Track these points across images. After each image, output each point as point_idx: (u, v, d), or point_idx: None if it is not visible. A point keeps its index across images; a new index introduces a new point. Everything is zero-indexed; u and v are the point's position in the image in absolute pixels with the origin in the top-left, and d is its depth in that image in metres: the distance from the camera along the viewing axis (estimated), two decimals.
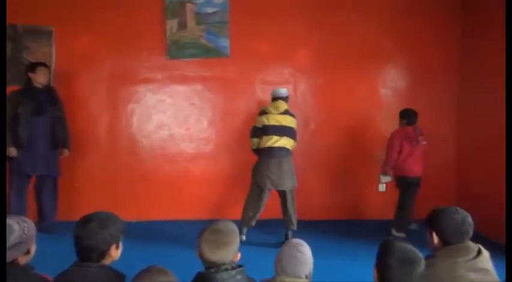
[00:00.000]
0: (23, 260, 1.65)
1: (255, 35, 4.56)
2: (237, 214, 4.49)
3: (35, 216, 3.90)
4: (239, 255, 1.63)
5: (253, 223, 3.91)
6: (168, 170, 4.62)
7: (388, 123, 4.65)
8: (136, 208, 4.40)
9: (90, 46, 4.52)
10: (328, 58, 4.62)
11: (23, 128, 3.78)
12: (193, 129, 4.66)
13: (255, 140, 3.95)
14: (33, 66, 3.94)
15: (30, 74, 3.90)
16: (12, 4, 4.35)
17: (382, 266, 1.52)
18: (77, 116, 4.40)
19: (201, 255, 1.58)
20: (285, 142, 3.81)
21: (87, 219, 1.58)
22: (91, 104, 4.55)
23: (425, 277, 1.53)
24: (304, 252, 1.81)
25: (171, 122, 4.62)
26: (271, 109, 3.89)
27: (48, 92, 4.00)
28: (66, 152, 4.13)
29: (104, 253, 1.57)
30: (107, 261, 1.58)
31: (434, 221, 1.87)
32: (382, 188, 4.72)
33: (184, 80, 4.61)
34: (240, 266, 1.59)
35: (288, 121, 3.86)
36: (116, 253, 1.61)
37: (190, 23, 4.51)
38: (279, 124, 3.81)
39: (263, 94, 4.62)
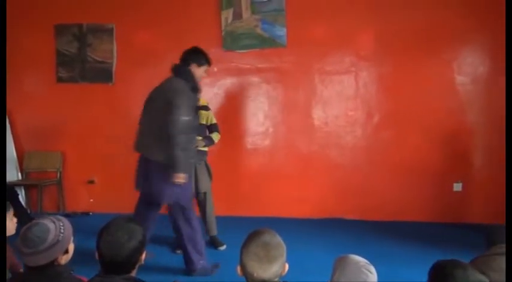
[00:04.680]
0: (62, 260, 1.62)
1: (312, 21, 4.29)
2: (294, 212, 4.35)
3: None
4: (287, 266, 1.44)
5: None
6: (222, 166, 4.54)
7: (466, 115, 4.16)
8: None
9: (147, 41, 4.57)
10: (393, 42, 4.20)
11: None
12: (249, 123, 4.54)
13: None
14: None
15: None
16: (78, 4, 4.58)
17: None
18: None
19: (246, 272, 1.38)
20: None
21: (111, 230, 1.46)
22: None
23: None
24: (374, 273, 1.52)
25: (226, 115, 4.53)
26: None
27: None
28: None
29: (135, 264, 1.48)
30: (135, 271, 1.49)
31: None
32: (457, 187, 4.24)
33: (240, 72, 4.49)
34: None
35: None
36: (142, 258, 1.51)
37: (246, 12, 4.36)
38: None
39: (322, 85, 4.34)
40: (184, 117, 2.65)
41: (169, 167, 2.66)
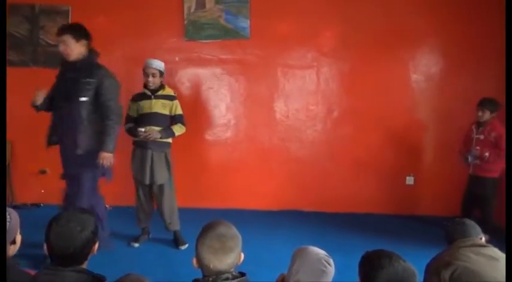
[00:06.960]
0: (10, 251, 1.54)
1: (276, 15, 4.29)
2: (253, 203, 4.38)
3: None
4: (243, 255, 1.44)
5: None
6: (183, 157, 4.48)
7: (420, 113, 4.34)
8: None
9: (105, 27, 4.38)
10: (354, 41, 4.28)
11: None
12: (210, 115, 4.49)
13: None
14: None
15: None
16: None
17: None
18: None
19: (202, 264, 1.37)
20: None
21: (63, 221, 1.39)
22: None
23: None
24: (332, 265, 1.59)
25: (187, 106, 4.45)
26: None
27: None
28: None
29: (87, 255, 1.43)
30: (87, 262, 1.44)
31: None
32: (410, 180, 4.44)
33: (202, 62, 4.42)
34: (242, 275, 1.39)
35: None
36: (95, 249, 1.47)
37: (209, 2, 4.28)
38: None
39: (284, 78, 4.37)
40: None
41: None
